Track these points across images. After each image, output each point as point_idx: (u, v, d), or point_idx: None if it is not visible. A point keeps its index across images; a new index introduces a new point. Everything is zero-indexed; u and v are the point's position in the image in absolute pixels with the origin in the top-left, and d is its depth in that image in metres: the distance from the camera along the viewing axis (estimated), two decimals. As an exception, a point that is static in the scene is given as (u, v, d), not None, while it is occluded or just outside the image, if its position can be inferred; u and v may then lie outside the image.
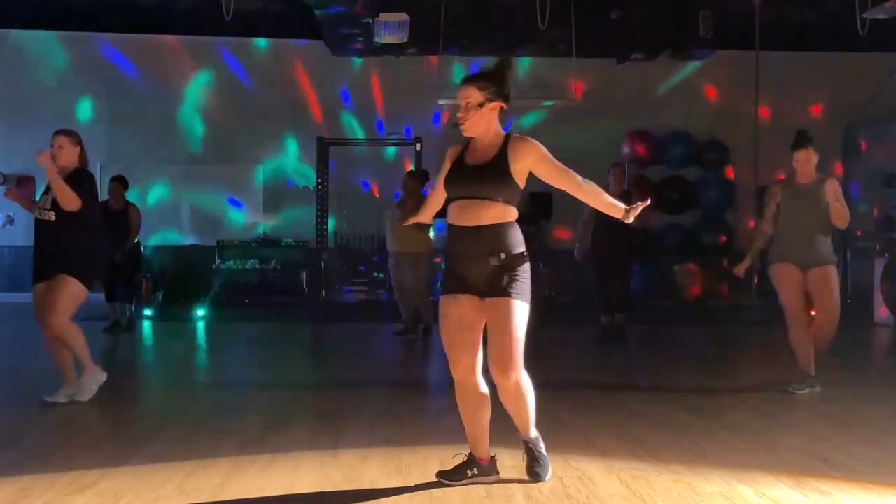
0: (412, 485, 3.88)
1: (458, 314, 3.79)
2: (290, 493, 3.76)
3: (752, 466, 4.18)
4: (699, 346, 9.71)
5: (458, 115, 3.89)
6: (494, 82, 3.90)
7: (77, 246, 5.63)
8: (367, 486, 3.86)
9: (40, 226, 5.66)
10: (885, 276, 11.33)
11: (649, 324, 11.23)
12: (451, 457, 4.05)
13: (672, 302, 13.43)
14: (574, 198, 4.12)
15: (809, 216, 6.14)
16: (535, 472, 3.96)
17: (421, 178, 9.41)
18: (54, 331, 5.58)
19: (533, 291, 3.87)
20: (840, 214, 6.12)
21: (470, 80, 3.92)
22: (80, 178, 5.70)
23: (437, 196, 4.08)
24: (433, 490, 3.81)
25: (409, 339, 9.17)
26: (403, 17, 11.13)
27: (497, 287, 3.76)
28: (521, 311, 3.76)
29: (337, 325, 11.11)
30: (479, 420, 3.90)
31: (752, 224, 13.16)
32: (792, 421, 5.34)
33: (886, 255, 11.57)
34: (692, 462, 4.27)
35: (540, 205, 13.69)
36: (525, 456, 4.01)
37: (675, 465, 4.20)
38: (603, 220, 9.12)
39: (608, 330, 9.28)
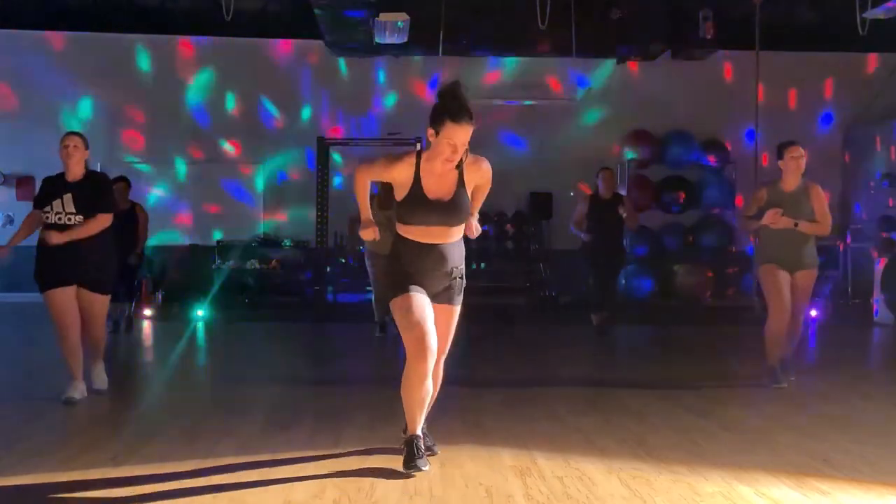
0: (412, 485, 3.88)
1: (429, 312, 4.07)
2: (289, 493, 3.76)
3: (752, 466, 4.18)
4: (699, 346, 9.70)
5: (450, 156, 3.96)
6: None
7: (103, 255, 5.73)
8: (367, 486, 3.85)
9: (63, 229, 5.57)
10: (885, 276, 11.32)
11: (649, 324, 11.24)
12: (450, 457, 4.06)
13: (672, 302, 13.43)
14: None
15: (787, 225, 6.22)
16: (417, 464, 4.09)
17: None
18: (98, 340, 5.86)
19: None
20: (822, 225, 6.20)
21: (472, 119, 3.96)
22: (103, 188, 5.78)
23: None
24: (433, 490, 3.81)
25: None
26: (403, 17, 11.13)
27: (447, 295, 4.17)
28: (458, 317, 4.28)
29: (337, 324, 11.10)
30: (426, 402, 4.18)
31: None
32: (792, 421, 5.34)
33: (886, 255, 11.57)
34: (692, 462, 4.27)
35: (540, 205, 13.70)
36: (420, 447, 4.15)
37: (675, 465, 4.20)
38: (593, 222, 9.29)
39: (596, 329, 9.54)
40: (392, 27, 11.16)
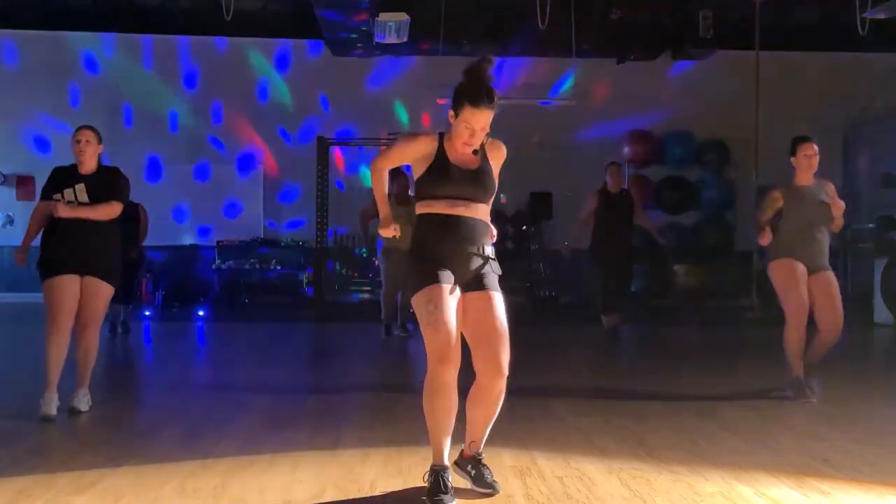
0: (412, 485, 3.88)
1: (454, 309, 3.65)
2: (289, 493, 3.76)
3: (752, 466, 4.18)
4: (699, 347, 9.71)
5: (468, 140, 3.71)
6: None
7: (111, 245, 5.59)
8: (367, 486, 3.85)
9: (69, 220, 5.38)
10: (885, 277, 11.33)
11: (649, 324, 11.24)
12: (450, 458, 4.04)
13: (672, 302, 13.43)
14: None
15: (815, 220, 6.07)
16: (492, 482, 3.78)
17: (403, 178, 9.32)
18: (89, 339, 5.41)
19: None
20: (838, 218, 6.13)
21: (492, 103, 3.69)
22: (118, 180, 5.63)
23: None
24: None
25: (404, 336, 9.34)
26: (403, 17, 11.14)
27: (483, 282, 3.74)
28: (503, 305, 3.78)
29: (337, 325, 11.11)
30: (452, 421, 3.70)
31: (752, 224, 13.16)
32: (792, 421, 5.34)
33: (886, 255, 11.57)
34: (692, 462, 4.27)
35: (540, 205, 13.70)
36: (475, 471, 3.80)
37: (675, 465, 4.20)
38: (604, 221, 9.19)
39: (607, 331, 9.34)
40: (392, 27, 11.16)
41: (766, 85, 12.35)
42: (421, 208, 3.81)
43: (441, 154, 3.78)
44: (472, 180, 3.76)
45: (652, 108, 13.89)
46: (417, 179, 3.82)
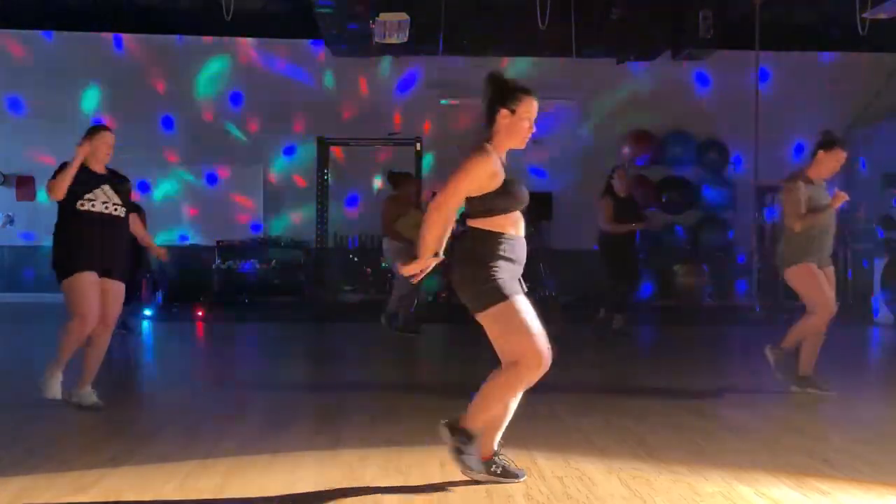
0: (412, 485, 3.88)
1: (536, 316, 3.84)
2: (290, 492, 3.76)
3: (752, 466, 4.18)
4: (699, 347, 9.70)
5: (528, 132, 3.87)
6: None
7: (128, 248, 5.73)
8: (367, 486, 3.85)
9: (104, 220, 5.48)
10: (886, 276, 11.33)
11: (649, 324, 11.24)
12: (449, 457, 4.03)
13: (672, 302, 13.43)
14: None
15: (829, 217, 6.10)
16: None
17: (416, 183, 9.17)
18: (105, 340, 5.64)
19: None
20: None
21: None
22: (128, 187, 5.76)
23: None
24: (433, 490, 3.81)
25: (412, 337, 9.20)
26: (403, 17, 11.14)
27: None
28: None
29: (337, 325, 11.11)
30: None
31: (754, 225, 13.14)
32: (792, 421, 5.34)
33: (886, 255, 11.58)
34: (692, 462, 4.27)
35: (540, 205, 13.70)
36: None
37: (675, 465, 4.20)
38: (616, 224, 9.14)
39: (616, 331, 9.32)
40: (392, 27, 11.16)
41: (766, 85, 12.35)
42: (492, 224, 3.75)
43: (506, 168, 3.82)
44: (525, 192, 3.88)
45: (652, 108, 13.88)
46: (482, 196, 3.74)
